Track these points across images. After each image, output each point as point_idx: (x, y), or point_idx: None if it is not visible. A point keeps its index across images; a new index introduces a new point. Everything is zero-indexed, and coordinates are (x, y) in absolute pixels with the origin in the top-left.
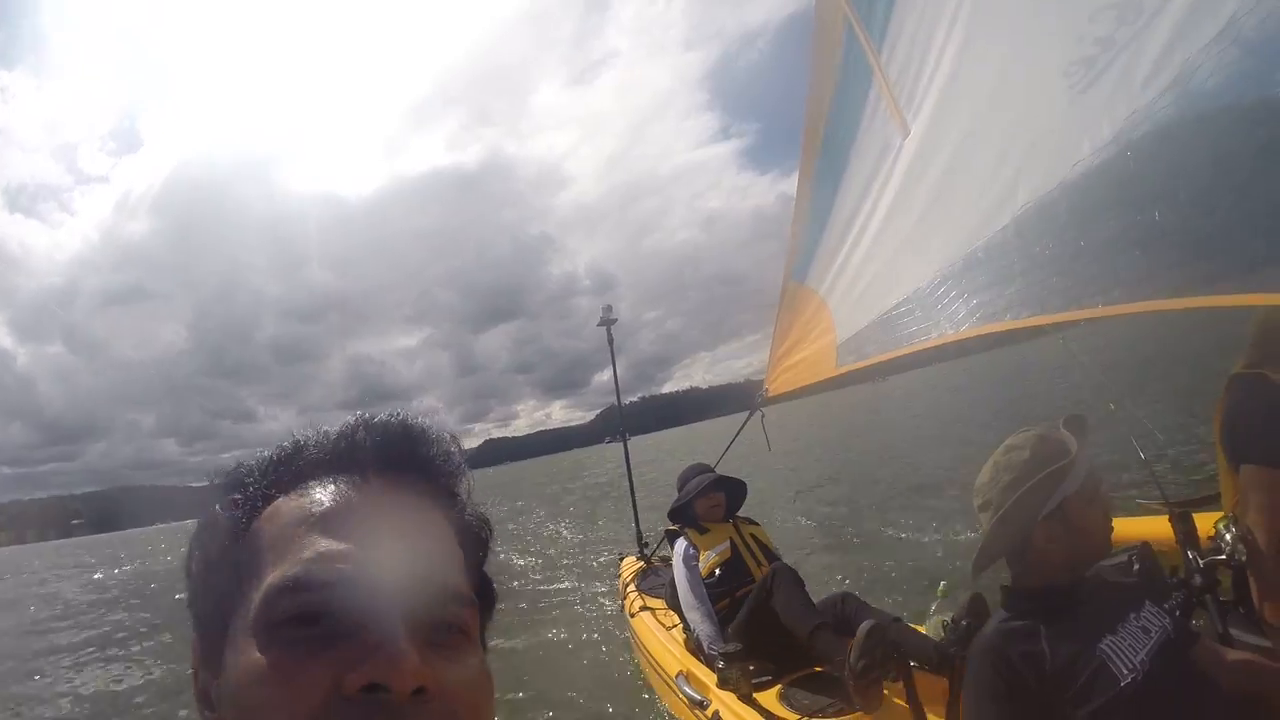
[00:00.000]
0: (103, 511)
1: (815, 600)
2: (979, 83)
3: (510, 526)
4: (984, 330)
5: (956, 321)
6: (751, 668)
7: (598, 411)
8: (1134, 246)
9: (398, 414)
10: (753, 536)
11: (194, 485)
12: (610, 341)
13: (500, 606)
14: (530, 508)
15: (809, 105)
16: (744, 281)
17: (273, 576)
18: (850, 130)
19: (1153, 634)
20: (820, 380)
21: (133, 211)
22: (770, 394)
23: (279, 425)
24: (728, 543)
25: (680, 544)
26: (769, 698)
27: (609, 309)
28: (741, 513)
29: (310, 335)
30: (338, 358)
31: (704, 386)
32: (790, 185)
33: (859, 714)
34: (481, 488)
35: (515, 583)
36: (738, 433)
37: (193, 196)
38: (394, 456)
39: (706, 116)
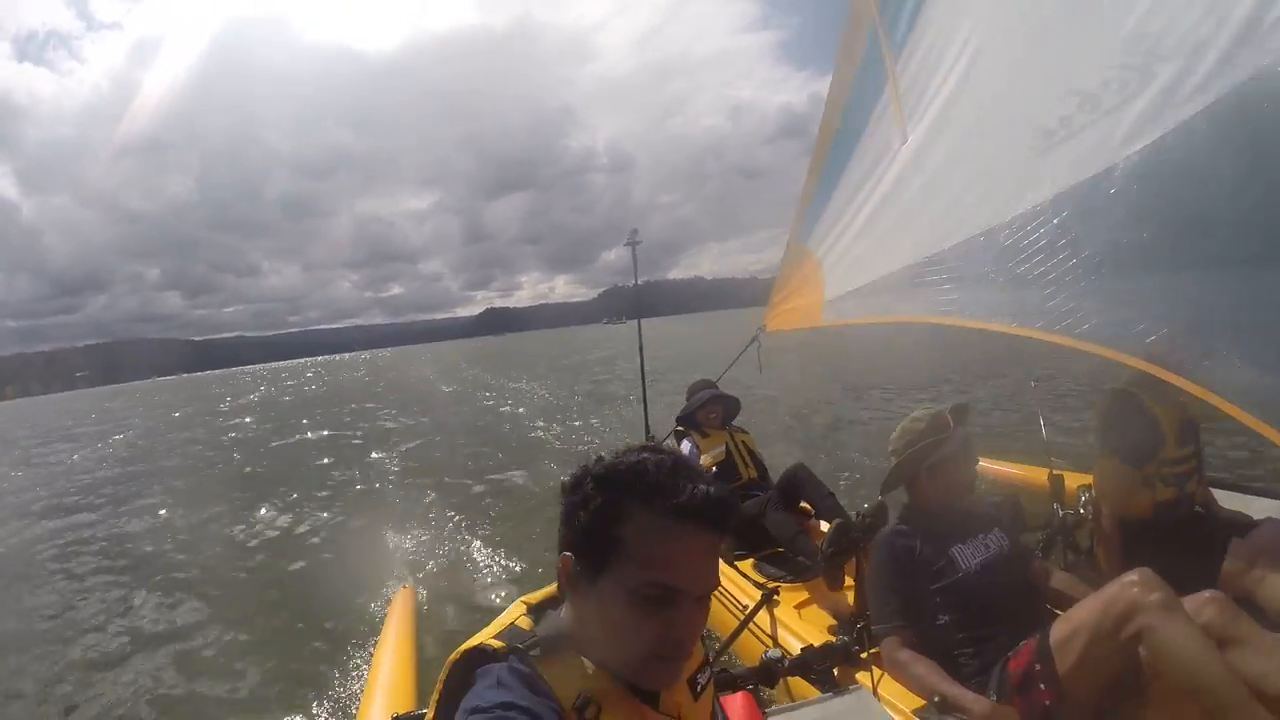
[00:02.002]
0: (106, 364)
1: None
2: (967, 118)
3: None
4: (934, 320)
5: (915, 307)
6: (732, 542)
7: (601, 290)
8: (1052, 285)
9: (733, 496)
10: (743, 443)
11: (195, 339)
12: (635, 262)
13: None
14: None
15: (833, 85)
16: (764, 176)
17: (655, 574)
18: (862, 122)
19: (990, 549)
20: (808, 327)
21: (146, 60)
22: (769, 330)
23: (282, 280)
24: (723, 447)
25: (686, 444)
26: (746, 567)
27: (635, 232)
28: (736, 422)
29: (320, 192)
30: (346, 216)
31: (709, 278)
32: (824, 87)
33: (812, 582)
34: (489, 355)
35: (529, 433)
36: (737, 356)
37: (209, 44)
38: (727, 531)
39: (747, 4)
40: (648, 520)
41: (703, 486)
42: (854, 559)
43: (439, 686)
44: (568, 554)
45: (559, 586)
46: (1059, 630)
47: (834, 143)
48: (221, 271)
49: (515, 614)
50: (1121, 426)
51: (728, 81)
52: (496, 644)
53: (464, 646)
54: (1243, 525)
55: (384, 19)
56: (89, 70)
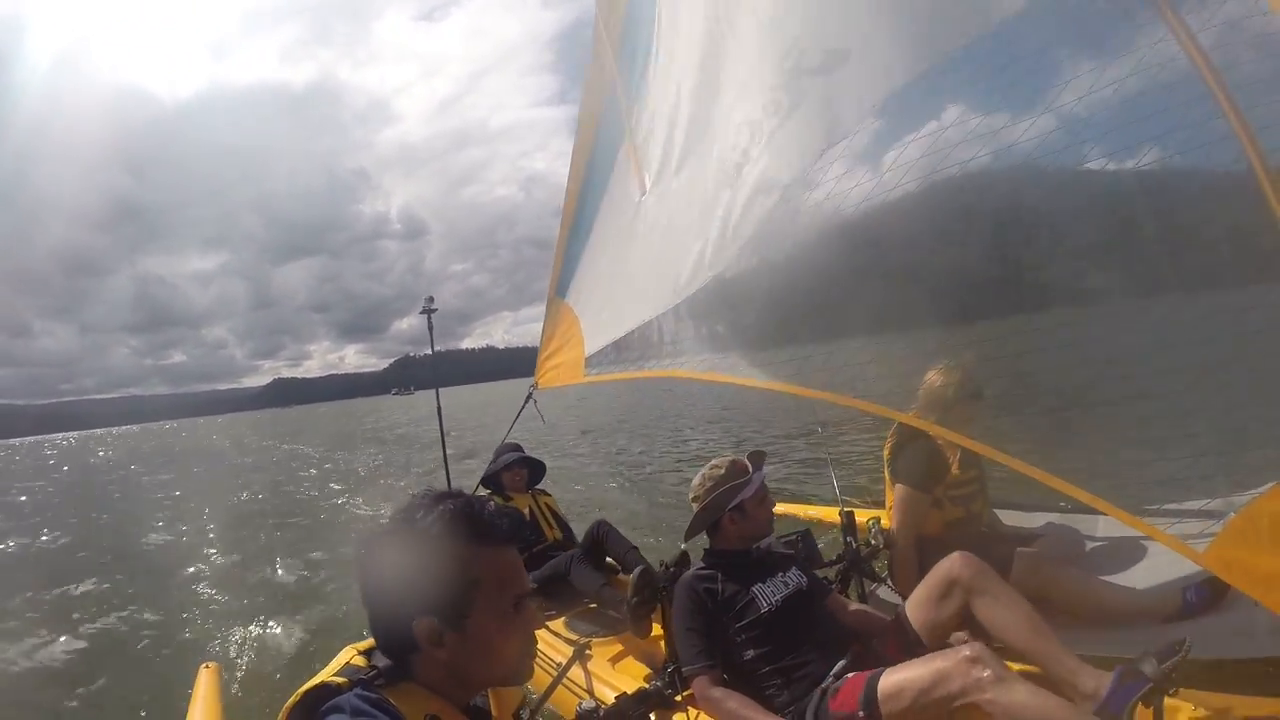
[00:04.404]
0: None
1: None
2: (685, 164)
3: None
4: (689, 376)
5: (667, 364)
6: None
7: (392, 360)
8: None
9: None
10: (546, 505)
11: None
12: (430, 329)
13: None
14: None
15: (578, 140)
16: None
17: (519, 589)
18: (605, 174)
19: (790, 585)
20: (573, 384)
21: None
22: (540, 387)
23: (55, 343)
24: (526, 510)
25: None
26: (558, 626)
27: (430, 300)
28: (540, 485)
29: (101, 246)
30: (127, 274)
31: (501, 347)
32: None
33: (624, 635)
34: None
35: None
36: (518, 414)
37: None
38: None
39: (548, 77)
40: (491, 554)
41: (504, 514)
42: (660, 606)
43: None
44: (426, 618)
45: (404, 653)
46: (888, 681)
47: (581, 195)
48: None
49: (348, 655)
50: (910, 455)
51: (524, 152)
52: (339, 680)
53: (302, 689)
54: (1026, 536)
55: (183, 62)
56: None
